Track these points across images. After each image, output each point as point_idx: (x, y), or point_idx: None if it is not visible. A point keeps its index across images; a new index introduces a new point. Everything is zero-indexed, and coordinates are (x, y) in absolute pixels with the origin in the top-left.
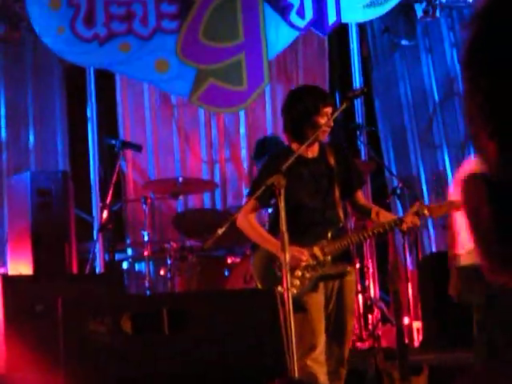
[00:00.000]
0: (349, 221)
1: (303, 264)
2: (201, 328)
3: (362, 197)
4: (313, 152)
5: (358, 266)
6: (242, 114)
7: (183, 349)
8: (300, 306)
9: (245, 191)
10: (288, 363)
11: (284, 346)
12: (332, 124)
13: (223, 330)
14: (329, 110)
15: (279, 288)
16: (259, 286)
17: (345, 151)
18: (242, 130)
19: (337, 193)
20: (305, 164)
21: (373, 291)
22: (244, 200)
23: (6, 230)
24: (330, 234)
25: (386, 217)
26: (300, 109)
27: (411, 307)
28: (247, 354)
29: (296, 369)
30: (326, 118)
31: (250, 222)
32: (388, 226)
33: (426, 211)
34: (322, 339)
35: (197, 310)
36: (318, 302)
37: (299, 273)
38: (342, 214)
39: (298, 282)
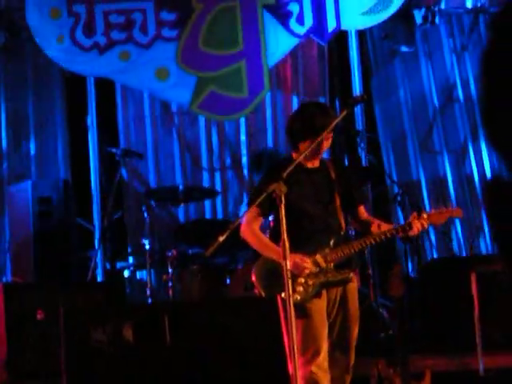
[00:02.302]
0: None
1: (306, 271)
2: (202, 336)
3: (365, 212)
4: (313, 163)
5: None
6: (242, 121)
7: (184, 357)
8: (303, 313)
9: (245, 199)
10: (290, 371)
11: (285, 353)
12: (323, 148)
13: (225, 338)
14: (321, 136)
15: (283, 295)
16: (262, 293)
17: (346, 167)
18: (243, 138)
19: (338, 202)
20: (305, 173)
21: (374, 297)
22: (243, 208)
23: (8, 238)
24: (332, 242)
25: (385, 227)
26: (296, 129)
27: (412, 313)
28: (248, 362)
29: (298, 376)
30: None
31: (253, 231)
32: (395, 231)
33: (424, 217)
34: (325, 345)
35: (198, 319)
36: (320, 308)
37: (302, 280)
38: (343, 223)
39: (301, 289)
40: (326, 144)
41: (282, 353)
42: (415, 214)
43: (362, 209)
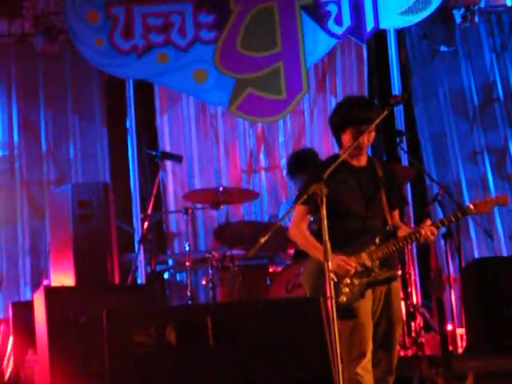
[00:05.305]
0: None
1: (351, 272)
2: (245, 338)
3: (397, 217)
4: (359, 161)
5: (400, 272)
6: (280, 122)
7: (228, 359)
8: (350, 313)
9: (284, 200)
10: (334, 372)
11: (330, 354)
12: (364, 142)
13: (268, 340)
14: (361, 128)
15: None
16: (308, 294)
17: (392, 169)
18: (281, 139)
19: (384, 200)
20: (351, 171)
21: (415, 298)
22: (282, 209)
23: (48, 241)
24: (377, 240)
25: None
26: (336, 121)
27: (454, 314)
28: (292, 364)
29: (342, 378)
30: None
31: (301, 232)
32: (408, 239)
33: (471, 207)
34: (370, 346)
35: (241, 320)
36: (366, 308)
37: (348, 280)
38: (389, 220)
39: (347, 290)
40: (367, 138)
41: (327, 355)
42: (427, 221)
43: (395, 213)
